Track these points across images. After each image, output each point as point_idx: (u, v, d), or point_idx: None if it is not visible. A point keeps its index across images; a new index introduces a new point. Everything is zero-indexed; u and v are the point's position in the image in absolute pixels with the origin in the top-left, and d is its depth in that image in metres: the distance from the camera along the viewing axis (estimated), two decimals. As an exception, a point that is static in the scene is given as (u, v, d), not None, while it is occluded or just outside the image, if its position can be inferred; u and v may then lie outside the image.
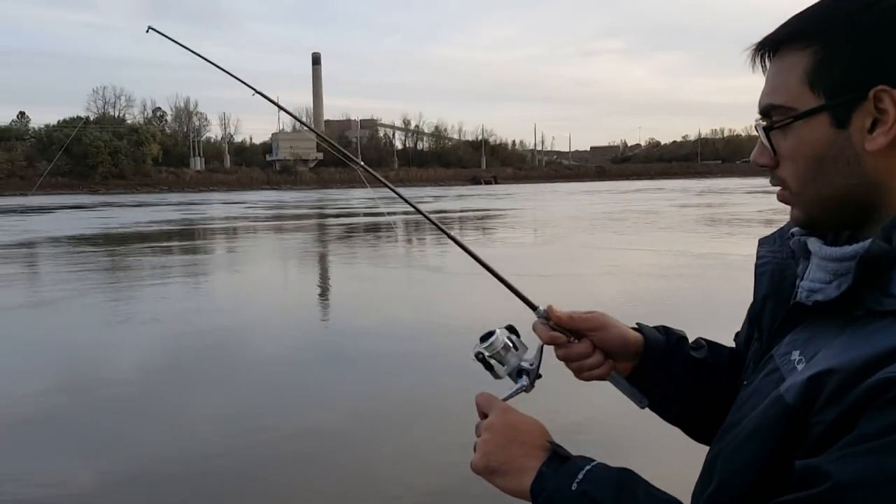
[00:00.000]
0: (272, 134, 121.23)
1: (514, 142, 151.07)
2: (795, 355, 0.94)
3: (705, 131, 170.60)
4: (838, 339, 0.88)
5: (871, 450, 0.76)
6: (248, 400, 6.85)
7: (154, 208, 47.68)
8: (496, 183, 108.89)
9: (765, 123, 0.99)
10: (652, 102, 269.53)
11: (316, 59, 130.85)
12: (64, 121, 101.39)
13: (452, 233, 1.47)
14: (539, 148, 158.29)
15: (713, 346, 1.33)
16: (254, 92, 1.86)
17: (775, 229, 1.17)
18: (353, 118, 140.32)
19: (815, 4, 0.95)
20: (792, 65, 0.95)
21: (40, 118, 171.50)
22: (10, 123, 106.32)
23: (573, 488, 0.96)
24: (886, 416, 0.76)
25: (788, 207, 1.02)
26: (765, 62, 1.00)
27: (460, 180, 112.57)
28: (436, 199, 53.88)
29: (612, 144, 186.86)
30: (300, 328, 10.25)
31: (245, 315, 11.10)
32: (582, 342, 1.26)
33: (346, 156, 1.75)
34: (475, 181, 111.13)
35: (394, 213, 28.98)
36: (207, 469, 5.30)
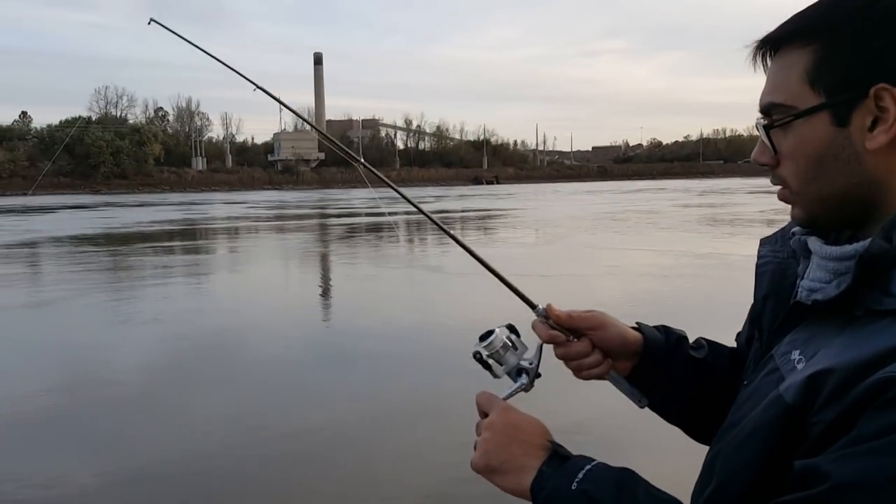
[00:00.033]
0: (274, 134, 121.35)
1: (515, 142, 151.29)
2: (795, 355, 0.94)
3: (707, 131, 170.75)
4: (838, 339, 0.88)
5: (870, 450, 0.75)
6: (249, 400, 6.85)
7: (156, 208, 47.72)
8: (498, 183, 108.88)
9: (765, 122, 0.98)
10: (654, 102, 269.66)
11: (317, 59, 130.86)
12: (66, 121, 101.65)
13: (454, 233, 1.47)
14: (541, 148, 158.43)
15: (714, 346, 1.32)
16: (255, 87, 1.86)
17: (777, 229, 1.17)
18: (354, 118, 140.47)
19: (816, 3, 0.95)
20: (792, 63, 0.94)
21: (42, 118, 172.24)
22: (13, 123, 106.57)
23: (573, 487, 0.96)
24: (886, 415, 0.76)
25: (790, 208, 1.02)
26: (766, 61, 1.00)
27: (462, 180, 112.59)
28: (437, 199, 53.88)
29: (614, 144, 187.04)
30: (301, 328, 10.25)
31: (246, 315, 11.11)
32: (581, 341, 1.25)
33: (348, 153, 1.75)
34: (477, 181, 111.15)
35: (395, 213, 29.00)
36: (207, 469, 5.31)
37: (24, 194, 74.22)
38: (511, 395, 1.19)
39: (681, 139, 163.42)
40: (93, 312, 11.51)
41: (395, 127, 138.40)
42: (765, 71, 1.00)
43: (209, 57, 1.85)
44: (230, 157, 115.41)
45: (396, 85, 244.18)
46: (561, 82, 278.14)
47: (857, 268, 0.87)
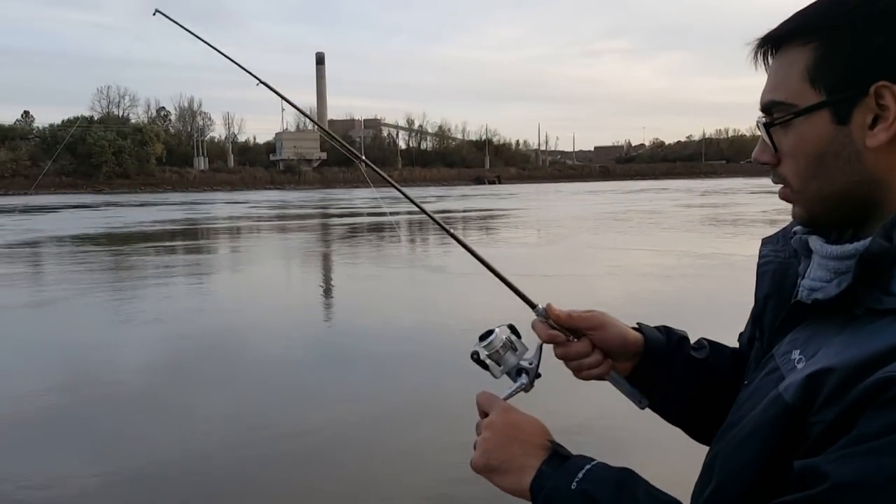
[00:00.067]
0: (276, 133, 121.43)
1: (517, 142, 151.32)
2: (796, 354, 0.93)
3: (710, 131, 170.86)
4: (838, 338, 0.87)
5: (870, 450, 0.75)
6: (249, 400, 6.85)
7: (157, 208, 47.76)
8: (500, 183, 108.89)
9: (766, 120, 0.98)
10: (656, 102, 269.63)
11: (320, 59, 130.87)
12: (68, 120, 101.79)
13: (455, 233, 1.47)
14: (543, 148, 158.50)
15: (715, 347, 1.32)
16: (258, 82, 1.86)
17: (779, 229, 1.16)
18: (356, 118, 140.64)
19: (817, 1, 0.95)
20: (793, 61, 0.94)
21: (45, 118, 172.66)
22: (15, 123, 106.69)
23: (573, 487, 0.96)
24: (886, 415, 0.75)
25: (791, 207, 1.01)
26: (767, 59, 1.00)
27: (464, 180, 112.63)
28: (439, 198, 53.89)
29: (616, 144, 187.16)
30: (302, 328, 10.25)
31: (247, 315, 11.11)
32: (581, 341, 1.25)
33: (350, 151, 1.75)
34: (479, 181, 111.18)
35: (397, 213, 29.01)
36: (207, 469, 5.30)
37: (26, 193, 74.29)
38: (511, 395, 1.19)
39: (683, 139, 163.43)
40: (94, 312, 11.51)
41: (397, 127, 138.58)
42: (766, 69, 1.00)
43: (211, 53, 1.85)
44: (232, 156, 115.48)
45: (398, 85, 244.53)
46: (563, 82, 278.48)
47: (857, 267, 0.87)
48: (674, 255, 16.92)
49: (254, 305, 12.05)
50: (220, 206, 51.55)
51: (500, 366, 1.21)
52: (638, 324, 1.31)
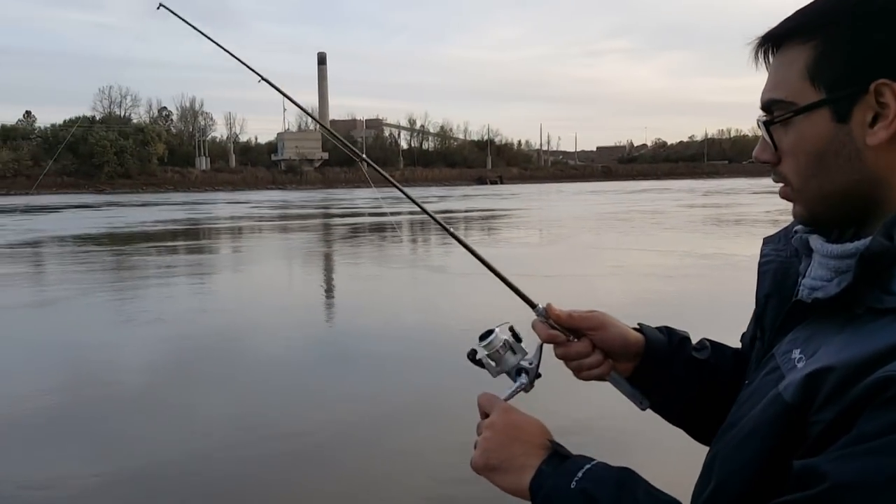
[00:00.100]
0: (277, 134, 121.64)
1: (519, 142, 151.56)
2: (796, 353, 0.93)
3: (712, 131, 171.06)
4: (838, 337, 0.87)
5: (869, 450, 0.74)
6: (250, 400, 6.85)
7: (159, 208, 47.80)
8: (501, 183, 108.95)
9: (766, 118, 0.98)
10: (658, 102, 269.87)
11: (321, 59, 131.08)
12: (70, 120, 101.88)
13: (456, 233, 1.47)
14: (545, 148, 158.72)
15: (717, 347, 1.31)
16: (259, 78, 1.86)
17: (781, 228, 1.16)
18: (358, 118, 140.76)
19: None
20: (793, 59, 0.94)
21: (46, 118, 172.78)
22: (17, 123, 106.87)
23: (572, 486, 0.96)
24: (885, 415, 0.75)
25: (792, 206, 1.01)
26: (768, 58, 0.99)
27: (465, 180, 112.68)
28: (440, 199, 53.91)
29: (618, 144, 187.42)
30: (303, 328, 10.25)
31: (249, 315, 11.11)
32: (581, 341, 1.24)
33: (351, 149, 1.74)
34: (480, 181, 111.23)
35: (399, 214, 29.01)
36: (208, 469, 5.30)
37: (27, 193, 74.38)
38: (512, 395, 1.19)
39: (685, 139, 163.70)
40: (95, 312, 11.52)
41: (398, 127, 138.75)
42: (767, 68, 0.99)
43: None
44: (234, 156, 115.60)
45: (400, 85, 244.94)
46: (564, 82, 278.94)
47: (857, 266, 0.86)
48: (676, 255, 16.91)
49: (255, 305, 12.05)
50: (221, 206, 51.60)
51: (499, 365, 1.21)
52: (639, 324, 1.30)
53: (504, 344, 1.20)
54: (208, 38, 1.92)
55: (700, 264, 15.48)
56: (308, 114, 1.95)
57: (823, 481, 0.76)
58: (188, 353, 8.80)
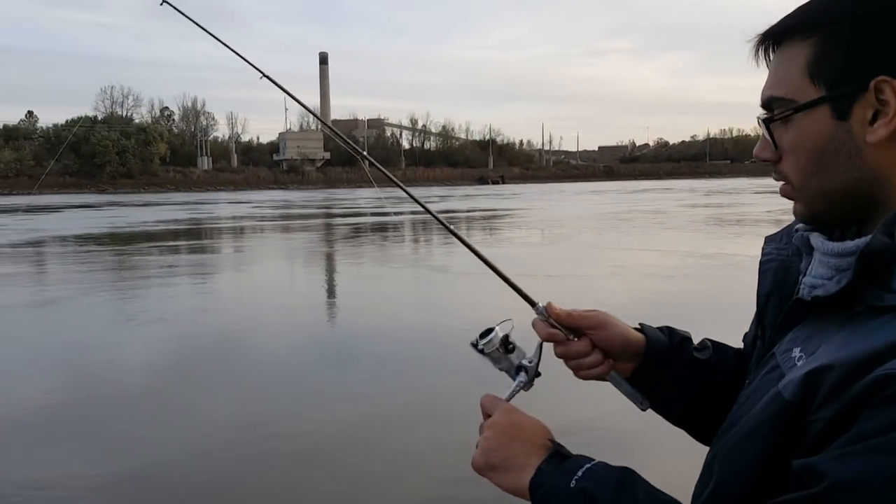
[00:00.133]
0: (279, 133, 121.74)
1: (521, 141, 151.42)
2: (796, 352, 0.93)
3: (714, 131, 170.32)
4: (839, 335, 0.87)
5: (869, 448, 0.74)
6: (251, 400, 6.84)
7: (161, 207, 47.84)
8: (503, 183, 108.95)
9: (766, 116, 0.97)
10: (660, 102, 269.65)
11: (323, 59, 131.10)
12: (72, 120, 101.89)
13: (458, 232, 1.46)
14: (547, 148, 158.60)
15: (718, 347, 1.31)
16: (261, 75, 1.86)
17: (782, 227, 1.15)
18: (360, 118, 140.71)
19: None
20: (793, 56, 0.94)
21: (48, 118, 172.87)
22: (19, 123, 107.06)
23: (571, 485, 0.96)
24: (885, 413, 0.74)
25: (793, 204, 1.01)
26: (768, 55, 0.99)
27: (467, 180, 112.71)
28: (442, 198, 53.91)
29: (620, 144, 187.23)
30: (304, 328, 10.24)
31: (250, 315, 11.11)
32: (581, 340, 1.24)
33: (353, 147, 1.74)
34: (482, 181, 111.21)
35: (401, 213, 29.02)
36: (208, 469, 5.30)
37: (29, 193, 74.51)
38: (512, 394, 1.19)
39: (687, 139, 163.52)
40: (97, 312, 11.53)
41: (400, 127, 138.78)
42: (767, 66, 0.99)
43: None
44: (235, 156, 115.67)
45: (402, 85, 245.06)
46: (567, 82, 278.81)
47: (857, 263, 0.86)
48: (678, 255, 16.90)
49: (256, 305, 12.05)
50: (223, 205, 51.64)
51: (499, 363, 1.21)
52: (640, 324, 1.30)
53: (503, 342, 1.20)
54: (210, 34, 1.91)
55: (702, 264, 15.46)
56: (309, 111, 1.95)
57: (823, 480, 0.75)
58: (189, 353, 8.81)
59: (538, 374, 1.22)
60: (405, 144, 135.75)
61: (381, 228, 28.39)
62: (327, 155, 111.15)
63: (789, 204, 1.01)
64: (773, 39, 0.98)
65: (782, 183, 0.99)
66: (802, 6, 0.95)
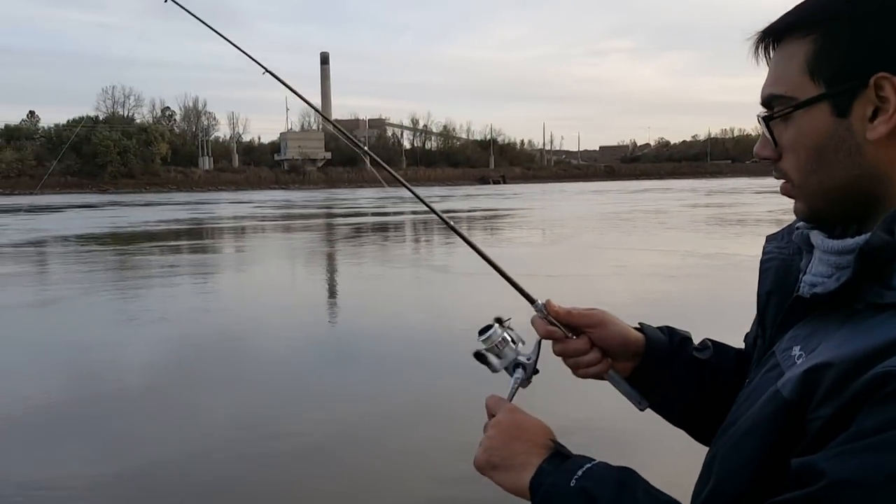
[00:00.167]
0: (280, 133, 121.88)
1: (522, 141, 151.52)
2: (796, 350, 0.92)
3: (715, 131, 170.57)
4: (838, 333, 0.86)
5: (868, 446, 0.73)
6: (251, 399, 6.84)
7: (162, 207, 47.87)
8: (504, 182, 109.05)
9: (766, 114, 0.97)
10: (661, 102, 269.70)
11: (324, 59, 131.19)
12: (74, 120, 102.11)
13: (457, 227, 1.46)
14: (548, 147, 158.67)
15: (719, 347, 1.31)
16: (263, 70, 1.86)
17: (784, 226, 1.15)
18: (361, 118, 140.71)
19: None
20: (793, 54, 0.93)
21: (50, 118, 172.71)
22: (21, 123, 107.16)
23: (572, 484, 0.95)
24: (885, 411, 0.74)
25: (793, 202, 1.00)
26: (768, 53, 0.99)
27: (468, 180, 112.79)
28: (443, 198, 53.93)
29: (621, 144, 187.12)
30: (305, 328, 10.24)
31: (251, 315, 11.11)
32: (579, 338, 1.24)
33: (355, 143, 1.74)
34: (483, 181, 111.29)
35: (401, 213, 29.01)
36: (208, 468, 5.29)
37: (31, 193, 74.61)
38: (512, 392, 1.20)
39: (688, 139, 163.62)
40: (98, 311, 11.53)
41: (401, 126, 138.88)
42: (767, 63, 0.99)
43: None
44: (237, 156, 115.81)
45: (403, 84, 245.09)
46: (568, 82, 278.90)
47: (857, 261, 0.86)
48: (678, 255, 16.89)
49: (258, 305, 12.05)
50: (224, 205, 51.67)
51: (499, 359, 1.21)
52: (640, 324, 1.30)
53: (503, 339, 1.21)
54: (213, 29, 1.92)
55: (703, 264, 15.46)
56: (311, 105, 1.95)
57: (821, 479, 0.75)
58: (190, 353, 8.81)
59: (536, 372, 1.22)
60: (406, 144, 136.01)
61: (382, 228, 28.39)
62: (328, 155, 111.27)
63: (790, 204, 1.00)
64: (772, 37, 0.97)
65: (783, 181, 0.99)
66: (802, 4, 0.95)
